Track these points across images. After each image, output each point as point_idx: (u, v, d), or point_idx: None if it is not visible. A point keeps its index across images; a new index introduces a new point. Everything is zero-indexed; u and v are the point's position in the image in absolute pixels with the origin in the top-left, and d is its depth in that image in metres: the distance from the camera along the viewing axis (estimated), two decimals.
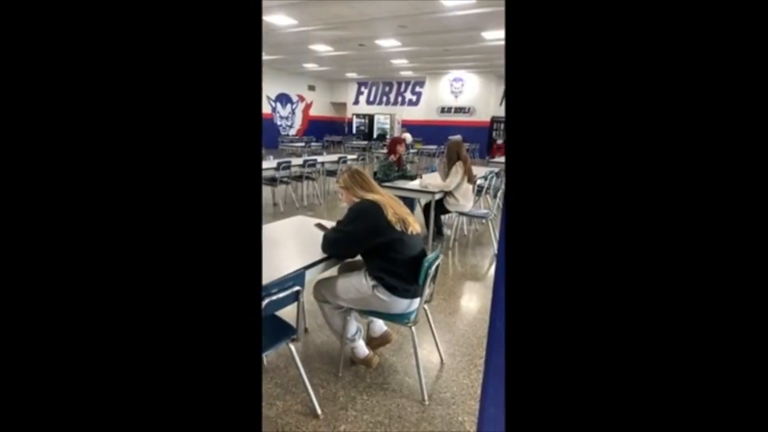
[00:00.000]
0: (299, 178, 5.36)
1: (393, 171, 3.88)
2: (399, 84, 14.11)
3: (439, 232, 3.93)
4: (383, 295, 1.61)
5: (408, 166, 4.15)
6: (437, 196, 3.53)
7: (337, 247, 1.64)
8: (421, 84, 13.47)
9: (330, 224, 2.01)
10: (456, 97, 12.63)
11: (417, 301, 1.66)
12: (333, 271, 1.84)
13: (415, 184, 3.73)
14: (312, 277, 1.64)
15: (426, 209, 3.73)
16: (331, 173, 5.77)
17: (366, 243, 1.60)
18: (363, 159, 6.81)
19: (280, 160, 5.06)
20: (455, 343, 2.10)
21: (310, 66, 11.84)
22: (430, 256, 1.62)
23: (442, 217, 3.96)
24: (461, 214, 3.72)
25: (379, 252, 1.61)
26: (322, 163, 5.73)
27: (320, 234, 1.75)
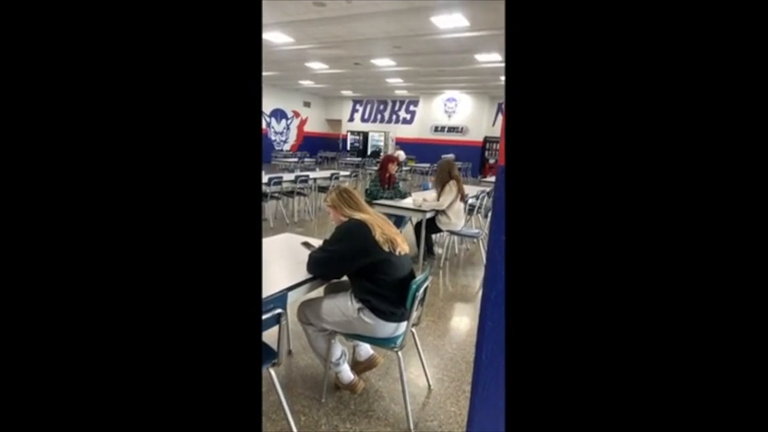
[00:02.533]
0: (291, 193, 5.32)
1: (384, 189, 3.86)
2: (393, 102, 14.28)
3: (429, 251, 3.89)
4: (369, 318, 1.56)
5: (401, 184, 4.12)
6: (428, 215, 3.51)
7: (323, 267, 1.59)
8: (416, 103, 13.64)
9: (317, 243, 1.96)
10: (449, 116, 12.79)
11: (404, 324, 1.61)
12: (319, 292, 1.79)
13: (407, 202, 3.71)
14: (298, 297, 1.58)
15: (417, 228, 3.70)
16: (323, 189, 5.75)
17: (352, 263, 1.56)
18: (356, 176, 6.81)
19: (272, 176, 5.02)
20: (443, 368, 2.04)
21: (306, 83, 11.95)
22: (419, 278, 1.58)
23: (433, 236, 3.93)
24: (452, 233, 3.70)
25: (365, 273, 1.56)
26: (314, 179, 5.70)
27: (306, 253, 1.70)
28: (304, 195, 5.59)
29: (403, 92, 12.94)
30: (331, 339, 1.67)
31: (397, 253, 1.58)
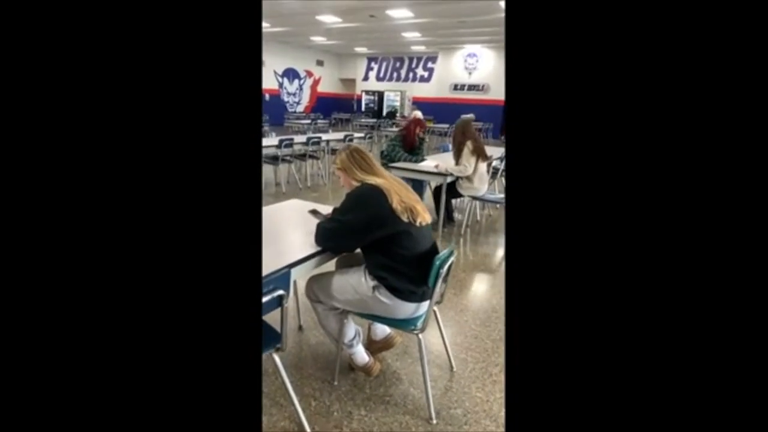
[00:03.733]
0: (303, 156, 5.10)
1: (402, 151, 3.59)
2: (410, 59, 13.60)
3: (449, 218, 3.66)
4: (385, 297, 1.36)
5: (422, 146, 3.83)
6: (449, 179, 3.25)
7: (332, 239, 1.38)
8: (434, 59, 12.95)
9: (327, 210, 1.75)
10: (470, 73, 12.11)
11: (425, 304, 1.41)
12: (330, 265, 1.59)
13: (426, 165, 3.45)
14: (307, 270, 1.39)
15: (437, 193, 3.45)
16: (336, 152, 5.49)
17: (366, 236, 1.34)
18: (370, 137, 6.49)
19: (282, 138, 4.78)
20: (467, 347, 1.87)
21: (318, 39, 11.37)
22: (443, 253, 1.36)
23: (453, 201, 3.69)
24: (475, 198, 3.43)
25: (381, 247, 1.35)
26: (327, 141, 5.44)
27: (315, 222, 1.50)
28: (317, 158, 5.37)
29: (421, 48, 12.23)
30: (343, 318, 1.49)
31: (417, 223, 1.36)
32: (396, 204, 1.32)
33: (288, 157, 4.89)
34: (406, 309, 1.39)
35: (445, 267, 1.34)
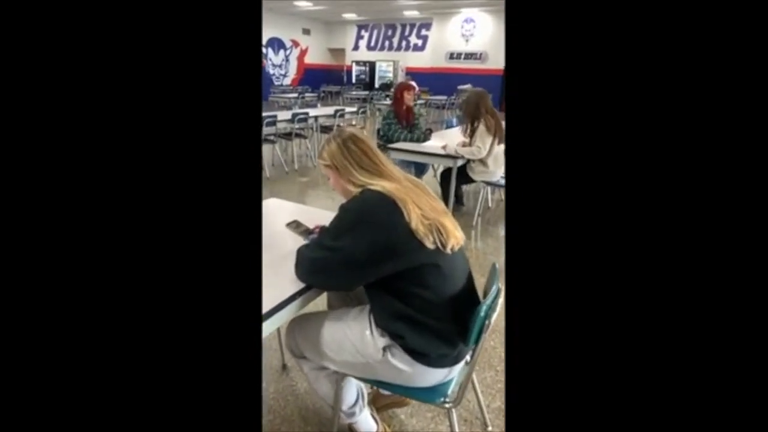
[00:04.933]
0: (288, 135, 4.55)
1: (403, 128, 3.09)
2: (403, 27, 12.77)
3: (458, 202, 3.22)
4: (402, 362, 0.92)
5: (421, 120, 3.34)
6: (459, 163, 2.77)
7: (320, 273, 0.92)
8: (428, 26, 12.15)
9: (314, 221, 1.28)
10: (467, 41, 11.37)
11: (459, 367, 0.97)
12: (320, 301, 1.13)
13: (431, 145, 2.96)
14: (288, 314, 0.93)
15: (444, 178, 2.97)
16: (326, 129, 4.94)
17: (371, 270, 0.88)
18: (363, 112, 5.92)
19: (265, 114, 4.22)
20: (501, 389, 1.45)
21: (304, 5, 10.49)
22: (489, 297, 0.91)
23: (464, 187, 3.23)
24: (488, 184, 2.97)
25: (394, 286, 0.89)
26: (315, 118, 4.88)
27: (297, 242, 1.03)
28: (304, 137, 4.82)
29: (414, 13, 11.40)
30: (339, 380, 1.05)
31: (448, 249, 0.89)
32: (416, 222, 0.85)
33: (272, 137, 4.34)
34: (432, 377, 0.94)
35: (493, 317, 0.89)
